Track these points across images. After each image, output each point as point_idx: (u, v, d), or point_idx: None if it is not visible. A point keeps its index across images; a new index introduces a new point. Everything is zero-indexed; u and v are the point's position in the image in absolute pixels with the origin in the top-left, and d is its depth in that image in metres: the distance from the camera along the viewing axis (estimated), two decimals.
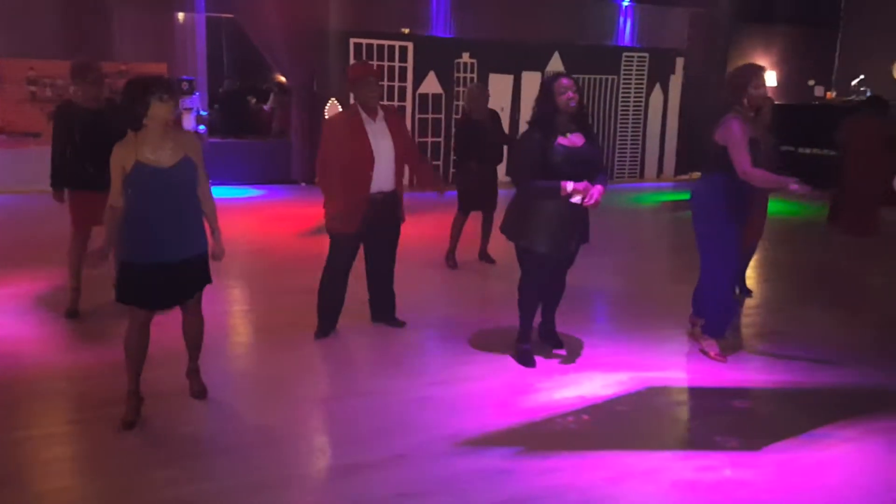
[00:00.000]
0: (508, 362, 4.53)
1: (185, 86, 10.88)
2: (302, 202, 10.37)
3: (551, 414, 3.85)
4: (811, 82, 15.33)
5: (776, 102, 14.49)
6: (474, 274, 6.78)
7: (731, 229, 4.54)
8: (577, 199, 4.20)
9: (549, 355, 4.64)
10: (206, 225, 3.79)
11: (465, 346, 4.80)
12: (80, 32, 10.19)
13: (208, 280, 3.82)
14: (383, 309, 5.12)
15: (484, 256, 7.08)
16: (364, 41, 11.49)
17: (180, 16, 11.50)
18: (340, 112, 4.85)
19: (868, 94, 13.56)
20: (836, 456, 3.47)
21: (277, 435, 3.57)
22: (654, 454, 3.46)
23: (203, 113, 11.35)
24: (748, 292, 6.25)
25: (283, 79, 12.64)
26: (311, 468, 3.37)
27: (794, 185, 4.22)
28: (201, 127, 11.21)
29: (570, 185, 4.16)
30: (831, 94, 14.92)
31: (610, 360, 4.61)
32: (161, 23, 11.29)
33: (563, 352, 4.71)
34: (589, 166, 4.31)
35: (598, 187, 4.23)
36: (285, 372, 4.36)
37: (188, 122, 10.98)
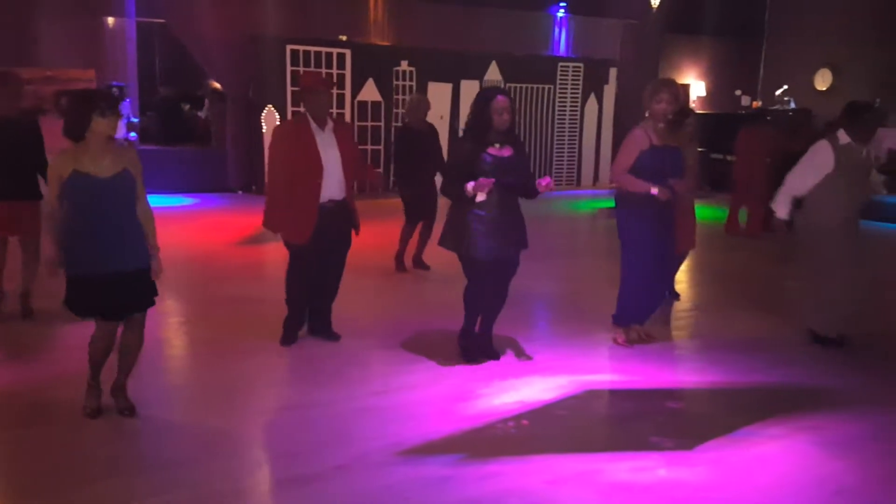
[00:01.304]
0: (449, 370, 4.54)
1: (115, 92, 10.59)
2: (238, 211, 10.18)
3: (492, 420, 3.87)
4: (738, 92, 15.92)
5: (707, 112, 15.05)
6: (413, 282, 6.79)
7: (642, 232, 4.77)
8: (480, 197, 4.33)
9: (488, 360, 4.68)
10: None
11: (406, 354, 4.78)
12: (3, 37, 9.80)
13: (153, 295, 3.74)
14: (320, 321, 5.04)
15: (418, 263, 7.10)
16: (301, 48, 11.39)
17: (109, 20, 11.17)
18: (288, 120, 4.84)
19: (791, 103, 14.18)
20: (766, 453, 3.59)
21: (217, 449, 3.49)
22: (592, 456, 3.52)
23: (134, 120, 11.04)
24: (676, 296, 6.43)
25: (217, 85, 12.42)
26: (251, 482, 3.30)
27: (654, 190, 4.63)
28: (132, 134, 10.90)
29: (470, 186, 4.28)
30: (757, 104, 15.50)
31: (549, 365, 4.67)
32: (89, 28, 10.94)
33: (497, 361, 4.71)
34: (517, 175, 4.47)
35: (545, 180, 4.42)
36: (223, 385, 4.27)
37: (119, 129, 10.65)
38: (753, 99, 15.84)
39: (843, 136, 4.94)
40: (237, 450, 3.53)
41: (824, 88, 14.90)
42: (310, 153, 4.60)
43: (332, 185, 4.68)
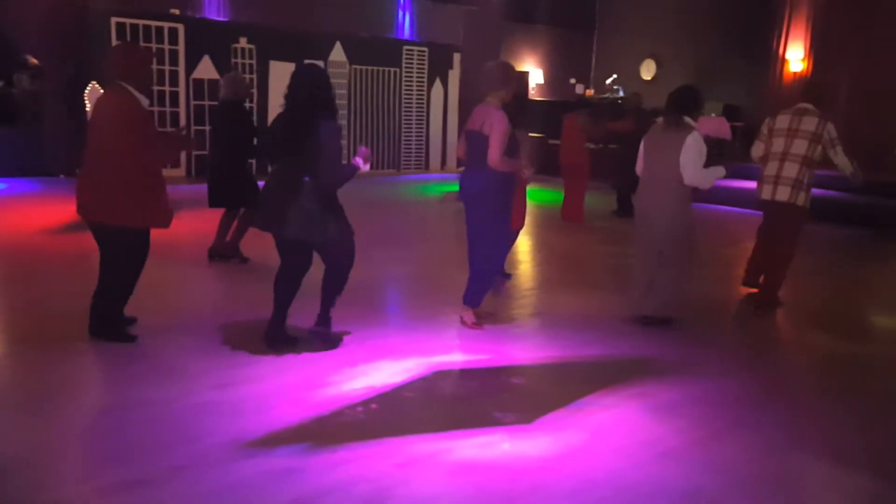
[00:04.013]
0: (296, 359, 4.42)
1: None
2: (57, 197, 9.35)
3: (340, 407, 3.82)
4: (572, 80, 16.74)
5: (545, 99, 15.58)
6: (247, 271, 6.50)
7: (504, 214, 4.96)
8: (366, 167, 4.51)
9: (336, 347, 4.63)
10: None
11: (249, 346, 4.59)
12: None
13: None
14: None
15: (236, 252, 6.68)
16: (128, 21, 10.64)
17: None
18: (121, 94, 4.36)
19: (620, 92, 15.10)
20: (600, 422, 3.81)
21: (35, 458, 3.19)
22: (439, 436, 3.57)
23: None
24: (508, 276, 6.68)
25: (34, 60, 11.30)
26: (72, 491, 3.02)
27: (525, 172, 5.02)
28: None
29: (360, 160, 4.43)
30: (590, 92, 16.38)
31: (398, 349, 4.68)
32: None
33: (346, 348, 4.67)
34: None
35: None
36: (41, 387, 3.91)
37: None
38: (587, 87, 16.72)
39: (694, 124, 5.22)
40: (58, 458, 3.24)
41: (649, 78, 16.03)
42: (155, 130, 4.45)
43: None
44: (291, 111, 4.31)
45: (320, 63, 12.26)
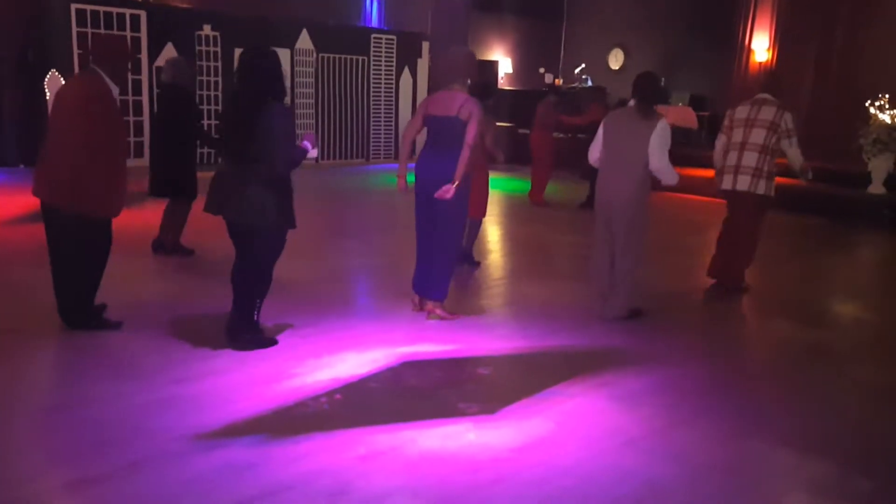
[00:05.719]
0: (260, 352, 4.36)
1: None
2: (15, 187, 9.11)
3: (303, 399, 3.78)
4: (541, 70, 16.73)
5: (514, 89, 15.55)
6: (203, 264, 6.36)
7: (467, 198, 5.02)
8: (314, 152, 4.46)
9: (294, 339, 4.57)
10: None
11: (211, 339, 4.49)
12: None
13: None
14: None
15: (179, 248, 6.48)
16: (88, 7, 10.38)
17: None
18: (96, 78, 4.30)
19: (589, 81, 15.13)
20: (565, 411, 3.82)
21: None
22: (403, 427, 3.54)
23: None
24: (477, 264, 6.68)
25: None
26: (26, 490, 2.94)
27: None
28: None
29: (308, 144, 4.38)
30: (559, 81, 16.39)
31: (364, 339, 4.64)
32: None
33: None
34: None
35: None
36: None
37: None
38: (556, 77, 16.72)
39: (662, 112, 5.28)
40: (12, 455, 3.16)
41: (617, 67, 16.08)
42: (121, 118, 4.52)
43: None
44: (241, 95, 4.23)
45: (286, 50, 12.11)
